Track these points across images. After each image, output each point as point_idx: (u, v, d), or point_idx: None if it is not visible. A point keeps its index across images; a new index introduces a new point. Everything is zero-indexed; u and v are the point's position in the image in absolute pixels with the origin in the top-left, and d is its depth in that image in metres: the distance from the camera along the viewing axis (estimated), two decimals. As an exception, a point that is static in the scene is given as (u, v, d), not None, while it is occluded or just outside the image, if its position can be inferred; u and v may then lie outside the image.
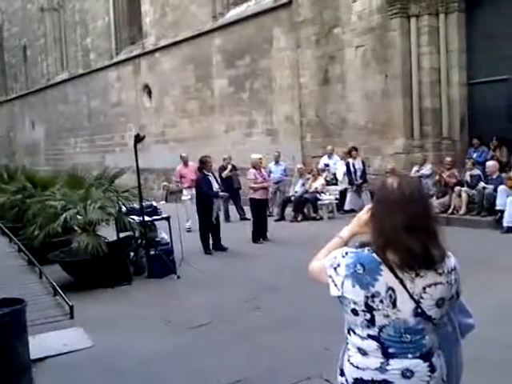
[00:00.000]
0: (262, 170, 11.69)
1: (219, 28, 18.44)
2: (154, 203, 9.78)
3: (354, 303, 1.99)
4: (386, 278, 1.96)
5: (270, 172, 14.62)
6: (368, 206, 2.16)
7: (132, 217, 8.76)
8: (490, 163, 11.50)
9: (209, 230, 10.51)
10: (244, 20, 17.42)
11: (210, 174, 10.76)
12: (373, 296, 1.96)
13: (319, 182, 13.85)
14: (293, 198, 13.88)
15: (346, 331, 2.12)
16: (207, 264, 9.42)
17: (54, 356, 5.27)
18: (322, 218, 13.51)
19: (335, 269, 2.03)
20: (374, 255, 1.99)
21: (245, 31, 17.36)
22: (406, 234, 1.92)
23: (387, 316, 1.97)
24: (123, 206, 8.80)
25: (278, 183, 14.67)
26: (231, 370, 4.88)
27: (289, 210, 13.88)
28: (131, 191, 9.12)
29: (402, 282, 1.95)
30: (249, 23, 17.23)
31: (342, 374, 2.12)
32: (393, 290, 1.95)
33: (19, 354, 4.53)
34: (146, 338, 5.80)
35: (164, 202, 17.19)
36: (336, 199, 13.87)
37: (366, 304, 1.97)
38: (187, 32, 19.56)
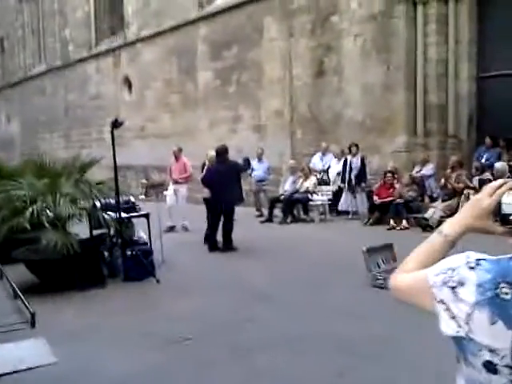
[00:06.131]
0: None
1: (205, 17, 17.48)
2: (132, 199, 9.04)
3: (491, 351, 1.19)
4: None
5: (252, 170, 13.74)
6: (498, 182, 1.34)
7: (108, 213, 8.06)
8: (498, 165, 10.67)
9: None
10: (233, 8, 16.41)
11: None
12: None
13: (311, 182, 12.95)
14: (282, 198, 12.97)
15: None
16: (191, 266, 8.63)
17: (9, 374, 4.54)
18: (313, 221, 12.72)
19: (454, 288, 1.24)
20: None
21: (233, 20, 16.41)
22: None
23: None
24: (97, 201, 8.10)
25: (261, 182, 13.94)
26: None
27: (277, 212, 13.01)
28: (107, 183, 8.39)
29: None
30: (238, 11, 16.23)
31: None
32: None
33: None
34: (120, 353, 5.02)
35: (143, 196, 16.12)
36: (329, 200, 13.03)
37: None
38: (171, 21, 18.60)
